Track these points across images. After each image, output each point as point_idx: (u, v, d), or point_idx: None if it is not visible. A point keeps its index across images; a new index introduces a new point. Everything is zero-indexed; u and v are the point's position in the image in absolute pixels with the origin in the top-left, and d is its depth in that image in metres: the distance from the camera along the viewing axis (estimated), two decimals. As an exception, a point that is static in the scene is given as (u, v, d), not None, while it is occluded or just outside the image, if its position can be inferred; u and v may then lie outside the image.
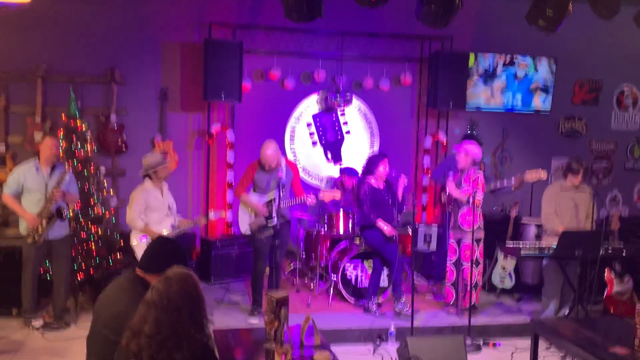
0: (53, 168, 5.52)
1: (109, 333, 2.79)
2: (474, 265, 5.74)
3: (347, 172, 7.09)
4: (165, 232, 5.34)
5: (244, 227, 5.78)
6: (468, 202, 5.67)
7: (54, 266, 5.68)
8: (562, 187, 5.97)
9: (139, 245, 5.28)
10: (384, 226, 5.81)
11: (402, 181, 5.86)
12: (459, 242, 5.91)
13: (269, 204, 5.69)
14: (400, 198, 5.94)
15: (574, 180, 5.85)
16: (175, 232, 5.43)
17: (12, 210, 5.63)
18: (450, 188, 5.86)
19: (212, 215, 5.59)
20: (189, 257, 6.82)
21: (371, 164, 5.89)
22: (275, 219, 5.59)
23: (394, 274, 5.99)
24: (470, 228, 5.63)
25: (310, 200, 5.67)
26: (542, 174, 5.70)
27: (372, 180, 5.86)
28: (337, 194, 5.75)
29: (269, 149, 5.58)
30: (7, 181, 5.48)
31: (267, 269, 6.02)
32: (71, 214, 6.07)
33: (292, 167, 5.92)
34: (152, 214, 5.34)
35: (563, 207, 5.92)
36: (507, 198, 7.42)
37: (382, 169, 5.82)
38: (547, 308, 6.02)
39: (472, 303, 5.67)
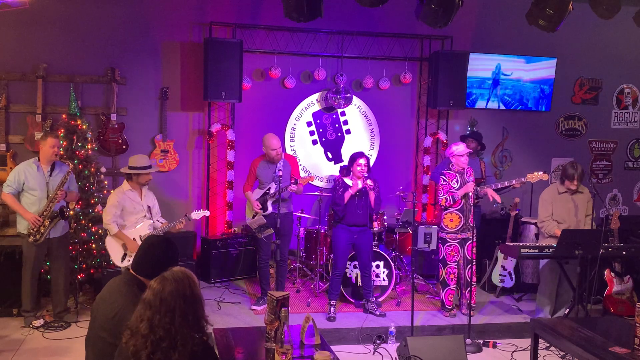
0: (53, 167, 5.52)
1: (106, 335, 2.78)
2: (473, 263, 5.88)
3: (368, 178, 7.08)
4: (141, 235, 5.33)
5: (249, 216, 6.15)
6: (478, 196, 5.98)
7: (54, 265, 5.68)
8: (560, 189, 5.97)
9: (112, 246, 5.35)
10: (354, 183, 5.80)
11: (370, 192, 5.83)
12: (463, 242, 5.90)
13: (264, 195, 6.01)
14: (372, 203, 5.86)
15: (571, 186, 5.86)
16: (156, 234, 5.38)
17: (12, 210, 5.63)
18: (491, 192, 5.88)
19: (193, 215, 5.54)
20: (189, 256, 6.82)
21: (349, 163, 5.93)
22: (270, 209, 5.97)
23: (364, 276, 6.00)
24: (473, 223, 5.87)
25: (293, 188, 5.86)
26: (544, 176, 5.87)
27: (347, 180, 5.88)
28: (311, 178, 6.04)
29: (273, 138, 5.97)
30: (7, 180, 5.47)
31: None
32: (71, 213, 6.08)
33: (290, 160, 6.21)
34: (128, 216, 5.35)
35: (562, 208, 5.92)
36: (507, 197, 7.46)
37: (358, 167, 5.78)
38: (542, 307, 6.01)
39: (471, 302, 5.68)
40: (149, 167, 5.40)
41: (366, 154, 5.97)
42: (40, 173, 5.47)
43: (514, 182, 6.00)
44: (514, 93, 8.05)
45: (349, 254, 6.00)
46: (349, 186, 5.82)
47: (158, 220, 5.50)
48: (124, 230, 5.33)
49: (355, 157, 5.85)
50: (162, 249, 2.98)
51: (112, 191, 6.71)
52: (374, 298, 6.06)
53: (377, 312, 5.94)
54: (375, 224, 6.57)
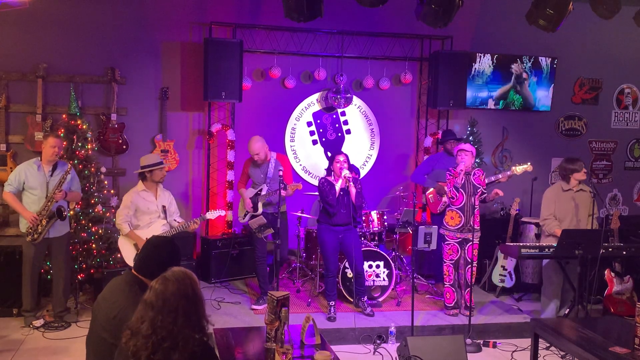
0: (55, 167, 5.53)
1: (107, 336, 2.79)
2: (473, 265, 5.85)
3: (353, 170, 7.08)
4: (154, 235, 5.28)
5: (240, 214, 6.24)
6: (484, 201, 5.95)
7: (54, 265, 5.69)
8: (563, 188, 5.97)
9: (125, 247, 5.37)
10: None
11: (351, 188, 5.80)
12: (463, 242, 5.89)
13: (256, 196, 6.10)
14: (353, 199, 5.82)
15: (579, 177, 5.86)
16: (170, 234, 5.38)
17: (12, 210, 5.64)
18: (495, 191, 5.91)
19: (209, 215, 5.63)
20: (189, 257, 6.82)
21: (330, 163, 5.98)
22: (261, 209, 6.07)
23: (356, 276, 5.96)
24: (478, 227, 5.89)
25: (283, 193, 5.88)
26: (528, 167, 5.94)
27: (330, 178, 5.89)
28: (299, 186, 6.04)
29: (256, 142, 5.99)
30: (8, 179, 5.50)
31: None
32: (72, 213, 6.08)
33: (281, 160, 6.24)
34: (142, 216, 5.37)
35: (564, 207, 5.92)
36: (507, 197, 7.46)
37: (337, 164, 5.81)
38: (546, 308, 6.02)
39: (469, 303, 5.68)
40: (161, 163, 5.47)
41: (344, 152, 6.06)
42: (40, 173, 5.48)
43: (499, 176, 6.05)
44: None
45: (338, 254, 5.99)
46: (333, 183, 5.84)
47: (175, 220, 5.51)
48: (137, 230, 5.35)
49: (334, 155, 5.93)
50: (165, 250, 3.00)
51: (112, 193, 6.77)
52: (365, 297, 6.05)
53: (367, 311, 5.93)
54: (372, 223, 6.58)
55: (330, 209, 5.83)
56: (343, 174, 5.76)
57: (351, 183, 5.78)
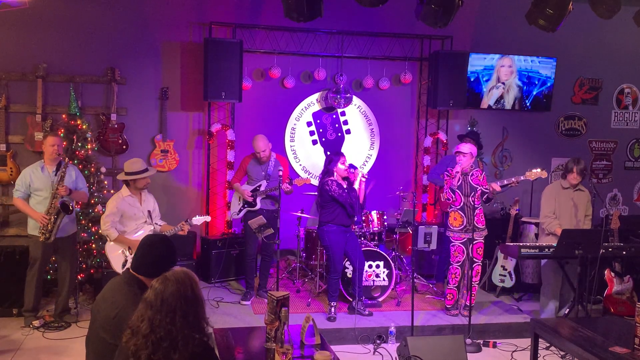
0: (58, 167, 5.53)
1: (107, 336, 2.79)
2: (478, 263, 5.88)
3: (351, 168, 7.07)
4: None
5: (234, 209, 6.39)
6: (488, 200, 5.95)
7: (61, 265, 5.69)
8: (562, 186, 5.98)
9: (112, 253, 5.22)
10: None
11: (361, 180, 5.83)
12: (467, 242, 5.88)
13: (255, 191, 6.19)
14: (361, 197, 5.85)
15: (572, 180, 5.86)
16: None
17: (12, 210, 5.64)
18: (495, 186, 5.89)
19: (194, 220, 5.44)
20: (189, 256, 6.81)
21: (330, 163, 5.88)
22: (259, 205, 6.20)
23: (355, 273, 5.95)
24: (484, 226, 5.89)
25: (287, 187, 5.97)
26: (542, 173, 5.81)
27: (339, 180, 5.84)
28: (308, 180, 6.26)
29: (262, 140, 6.15)
30: (16, 184, 5.53)
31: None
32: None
33: (281, 161, 6.39)
34: (128, 222, 5.23)
35: (562, 206, 5.93)
36: (507, 197, 7.47)
37: (342, 165, 5.81)
38: (545, 308, 6.02)
39: (470, 303, 5.68)
40: (145, 170, 5.28)
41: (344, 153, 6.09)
42: (45, 174, 5.49)
43: (512, 179, 5.98)
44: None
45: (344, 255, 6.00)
46: (345, 184, 5.83)
47: (156, 223, 5.42)
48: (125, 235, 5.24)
49: (337, 157, 5.85)
50: (160, 248, 2.99)
51: (112, 193, 6.74)
52: (363, 297, 6.04)
53: (366, 312, 5.93)
54: (372, 223, 6.58)
55: (355, 211, 5.81)
56: (361, 175, 5.85)
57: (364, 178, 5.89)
